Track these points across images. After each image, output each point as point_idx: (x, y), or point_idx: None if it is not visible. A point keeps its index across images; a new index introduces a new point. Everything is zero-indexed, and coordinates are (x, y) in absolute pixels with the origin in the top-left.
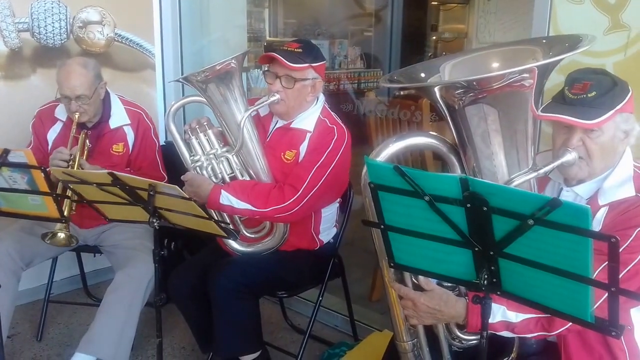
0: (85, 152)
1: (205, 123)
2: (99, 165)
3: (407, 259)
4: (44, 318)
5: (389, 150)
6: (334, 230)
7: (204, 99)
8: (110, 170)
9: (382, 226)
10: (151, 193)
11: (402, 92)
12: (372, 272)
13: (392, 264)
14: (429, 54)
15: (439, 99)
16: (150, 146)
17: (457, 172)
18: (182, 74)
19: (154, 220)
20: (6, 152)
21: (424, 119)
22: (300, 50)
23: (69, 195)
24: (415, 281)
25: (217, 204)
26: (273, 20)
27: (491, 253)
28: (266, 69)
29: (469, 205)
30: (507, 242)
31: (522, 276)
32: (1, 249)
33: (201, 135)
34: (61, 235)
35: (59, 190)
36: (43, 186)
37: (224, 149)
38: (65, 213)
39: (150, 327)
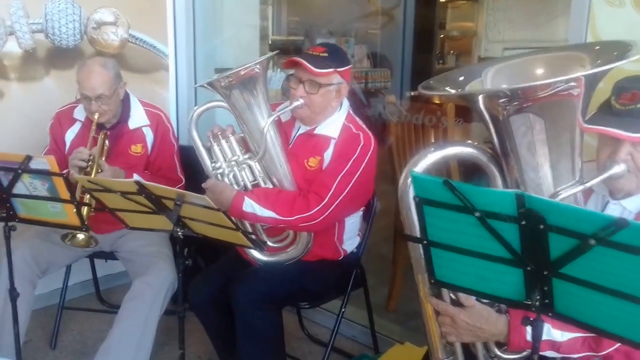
0: (105, 152)
1: (228, 129)
2: (118, 166)
3: (450, 276)
4: (57, 325)
5: (427, 160)
6: (357, 240)
7: (227, 105)
8: (136, 179)
9: (424, 242)
10: (178, 203)
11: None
12: (389, 280)
13: (432, 281)
14: (437, 53)
15: (482, 107)
16: (168, 148)
17: (498, 184)
18: (195, 76)
19: (178, 230)
20: (28, 158)
21: (450, 125)
22: (325, 54)
23: (89, 202)
24: (454, 297)
25: (240, 211)
26: (277, 18)
27: (545, 273)
28: (290, 73)
29: (523, 222)
30: (564, 262)
31: (577, 297)
32: (18, 256)
33: (223, 141)
34: (81, 236)
35: (77, 195)
36: (64, 193)
37: (246, 156)
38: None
39: (165, 335)
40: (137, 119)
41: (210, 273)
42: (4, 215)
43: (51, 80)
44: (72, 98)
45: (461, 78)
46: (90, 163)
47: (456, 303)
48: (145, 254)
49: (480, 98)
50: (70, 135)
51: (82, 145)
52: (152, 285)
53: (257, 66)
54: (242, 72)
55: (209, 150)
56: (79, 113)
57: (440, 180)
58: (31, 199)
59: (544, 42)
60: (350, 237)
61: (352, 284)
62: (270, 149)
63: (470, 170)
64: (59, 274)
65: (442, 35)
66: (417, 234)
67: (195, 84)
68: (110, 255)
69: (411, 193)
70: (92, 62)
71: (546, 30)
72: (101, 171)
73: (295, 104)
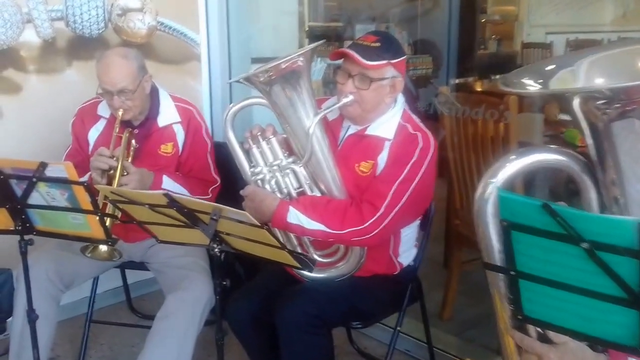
0: (131, 153)
1: (268, 129)
2: (146, 167)
3: (542, 312)
4: (86, 340)
5: (507, 170)
6: (413, 251)
7: (267, 102)
8: (165, 191)
9: (512, 272)
10: (214, 218)
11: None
12: (441, 285)
13: (520, 317)
14: (479, 40)
15: (577, 109)
16: (201, 147)
17: (592, 196)
18: (230, 66)
19: (215, 246)
20: (43, 165)
21: (512, 121)
22: (377, 44)
23: (115, 214)
24: (541, 330)
25: (284, 222)
26: (314, 2)
27: None
28: (337, 65)
29: None
30: None
31: None
32: (38, 271)
33: (263, 143)
34: (103, 247)
35: (100, 201)
36: (85, 203)
37: (290, 160)
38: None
39: (203, 349)
40: (167, 115)
41: (251, 289)
42: (19, 228)
43: (73, 72)
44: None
45: (549, 68)
46: (114, 165)
47: (543, 338)
48: (179, 266)
49: (576, 98)
50: (94, 133)
51: (107, 145)
52: (187, 301)
53: (301, 58)
54: (284, 66)
55: (248, 153)
56: (103, 109)
57: (538, 203)
58: (49, 210)
59: (587, 26)
60: (407, 249)
61: (408, 299)
62: (317, 152)
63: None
64: (87, 284)
65: (483, 20)
66: (497, 258)
67: (230, 75)
68: (140, 266)
69: (491, 210)
70: (111, 53)
71: (590, 13)
72: (126, 174)
73: (344, 100)
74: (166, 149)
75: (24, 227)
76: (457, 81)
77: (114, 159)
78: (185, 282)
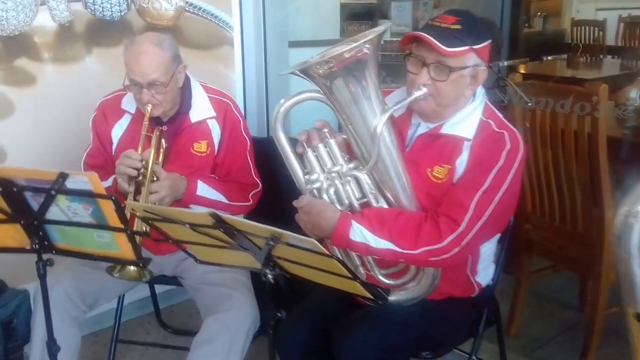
0: (161, 154)
1: (326, 130)
2: (178, 170)
3: None
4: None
5: None
6: (492, 268)
7: (324, 97)
8: (212, 211)
9: None
10: (271, 243)
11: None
12: (510, 297)
13: None
14: (523, 17)
15: None
16: (240, 145)
17: None
18: (265, 52)
19: (267, 271)
20: (63, 176)
21: (602, 113)
22: (458, 26)
23: (147, 232)
24: None
25: (346, 240)
26: None
27: None
28: (408, 52)
29: None
30: None
31: None
32: (58, 291)
33: (320, 146)
34: (132, 267)
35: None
36: (113, 219)
37: (351, 165)
38: None
39: None
40: (201, 109)
41: (304, 312)
42: (37, 246)
43: (93, 60)
44: (119, 83)
45: None
46: (142, 170)
47: None
48: (217, 283)
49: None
50: (117, 130)
51: (133, 144)
52: (229, 326)
53: (367, 45)
54: (347, 55)
55: (301, 157)
56: (128, 103)
57: None
58: (70, 227)
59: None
60: (485, 267)
61: (485, 323)
62: (384, 156)
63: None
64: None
65: None
66: None
67: (265, 61)
68: (173, 281)
69: (637, 241)
70: (143, 40)
71: None
72: (156, 179)
73: (417, 94)
74: (200, 147)
75: (42, 245)
76: (506, 63)
77: (143, 162)
78: (226, 303)
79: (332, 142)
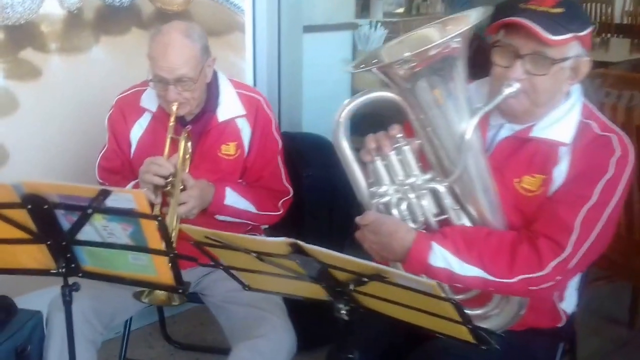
0: (188, 159)
1: (400, 136)
2: (203, 175)
3: None
4: None
5: None
6: (575, 295)
7: (397, 97)
8: (293, 241)
9: None
10: (364, 280)
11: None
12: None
13: None
14: None
15: None
16: (271, 147)
17: None
18: (279, 38)
19: (341, 306)
20: (105, 193)
21: None
22: (560, 9)
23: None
24: None
25: (425, 265)
26: None
27: None
28: (496, 41)
29: None
30: None
31: None
32: (76, 313)
33: (392, 154)
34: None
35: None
36: (154, 240)
37: (428, 176)
38: None
39: None
40: (229, 107)
41: (363, 340)
42: (63, 269)
43: (101, 50)
44: (130, 75)
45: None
46: (171, 179)
47: None
48: (247, 303)
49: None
50: (136, 131)
51: (155, 148)
52: (264, 354)
53: (457, 40)
54: (433, 52)
55: (364, 165)
56: (148, 100)
57: None
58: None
59: None
60: (571, 293)
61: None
62: (470, 166)
63: None
64: None
65: None
66: None
67: (279, 47)
68: (194, 298)
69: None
70: (171, 30)
71: None
72: (183, 188)
73: (508, 91)
74: (228, 150)
75: (69, 268)
76: None
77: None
78: (259, 327)
79: (407, 149)
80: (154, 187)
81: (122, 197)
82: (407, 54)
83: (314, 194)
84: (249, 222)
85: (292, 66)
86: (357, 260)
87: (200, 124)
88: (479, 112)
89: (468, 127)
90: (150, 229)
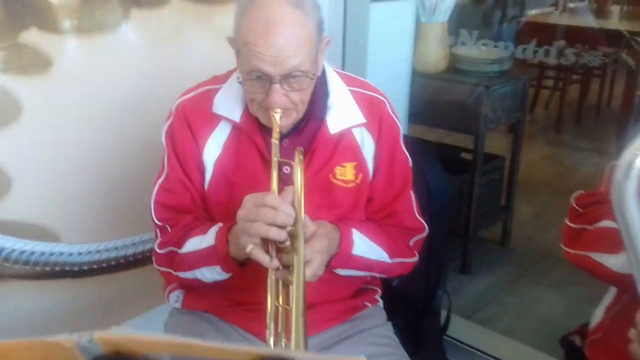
0: (302, 196)
1: None
2: (312, 214)
3: None
4: None
5: None
6: None
7: None
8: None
9: None
10: None
11: None
12: None
13: None
14: None
15: None
16: (402, 168)
17: None
18: (345, 7)
19: None
20: None
21: None
22: None
23: None
24: None
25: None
26: None
27: None
28: None
29: None
30: None
31: None
32: None
33: None
34: None
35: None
36: None
37: None
38: None
39: None
40: (343, 113)
41: None
42: None
43: (132, 28)
44: (177, 65)
45: None
46: (291, 228)
47: None
48: None
49: None
50: (212, 150)
51: (246, 177)
52: None
53: None
54: None
55: None
56: (224, 105)
57: None
58: None
59: None
60: None
61: None
62: None
63: None
64: None
65: None
66: None
67: (345, 19)
68: None
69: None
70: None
71: None
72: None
73: None
74: (344, 174)
75: None
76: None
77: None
78: None
79: None
80: (262, 241)
81: None
82: None
83: None
84: (376, 275)
85: (358, 43)
86: None
87: (303, 137)
88: None
89: None
90: None
